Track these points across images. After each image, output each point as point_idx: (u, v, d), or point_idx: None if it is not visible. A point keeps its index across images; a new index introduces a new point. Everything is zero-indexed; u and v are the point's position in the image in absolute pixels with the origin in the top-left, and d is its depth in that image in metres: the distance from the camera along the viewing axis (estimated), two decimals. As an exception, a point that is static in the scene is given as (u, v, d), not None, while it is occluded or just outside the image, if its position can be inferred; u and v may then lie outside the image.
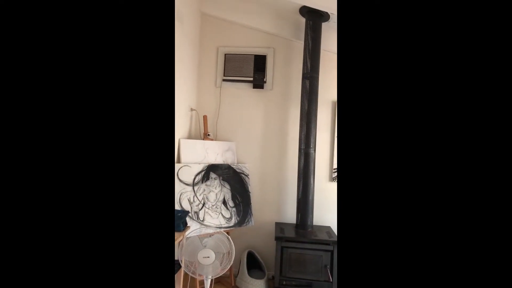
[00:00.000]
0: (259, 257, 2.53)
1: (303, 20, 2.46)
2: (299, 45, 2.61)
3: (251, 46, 2.66)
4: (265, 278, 2.35)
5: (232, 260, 1.77)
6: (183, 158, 2.24)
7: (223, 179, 2.38)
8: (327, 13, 2.33)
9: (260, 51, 2.65)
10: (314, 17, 2.37)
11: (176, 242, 1.64)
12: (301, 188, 2.35)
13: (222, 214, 2.28)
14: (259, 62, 2.63)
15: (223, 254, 1.76)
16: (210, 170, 2.33)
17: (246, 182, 2.51)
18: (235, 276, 2.44)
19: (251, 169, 2.63)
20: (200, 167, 2.28)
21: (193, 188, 2.20)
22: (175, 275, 1.78)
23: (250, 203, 2.47)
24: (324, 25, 2.45)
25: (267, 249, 2.58)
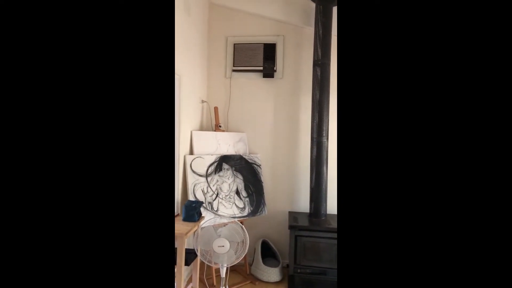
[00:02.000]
0: (273, 245, 2.55)
1: (313, 5, 2.39)
2: (309, 32, 2.55)
3: (260, 34, 2.62)
4: (280, 266, 2.38)
5: (247, 249, 1.79)
6: (195, 149, 2.26)
7: (235, 170, 2.40)
8: (337, -4, 2.26)
9: (269, 40, 2.60)
10: (324, 1, 2.29)
11: (191, 232, 1.68)
12: (314, 177, 2.34)
13: (235, 204, 2.31)
14: (269, 51, 2.59)
15: (238, 243, 1.79)
16: (223, 161, 2.35)
17: (259, 172, 2.52)
18: (250, 265, 2.49)
19: (263, 159, 2.63)
20: (212, 158, 2.30)
21: (207, 179, 2.23)
22: (192, 264, 1.82)
23: (263, 193, 2.49)
24: (335, 9, 2.37)
25: (281, 238, 2.60)
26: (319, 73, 2.32)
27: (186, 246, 1.72)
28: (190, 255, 1.79)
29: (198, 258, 1.83)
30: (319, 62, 2.32)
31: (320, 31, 2.31)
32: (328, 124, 2.35)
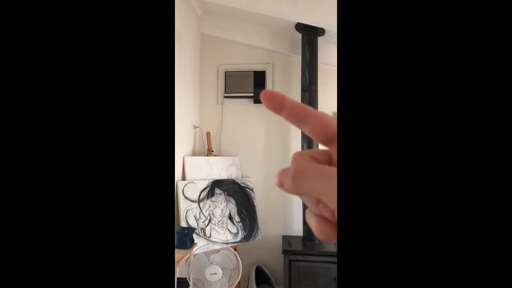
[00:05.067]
0: (267, 271, 2.51)
1: (299, 35, 2.54)
2: (297, 60, 2.67)
3: (250, 62, 2.73)
4: (275, 293, 2.33)
5: (240, 275, 1.77)
6: (188, 175, 2.28)
7: (228, 194, 2.41)
8: (322, 28, 2.40)
9: (259, 67, 2.72)
10: (309, 32, 2.44)
11: (183, 260, 1.65)
12: (306, 200, 2.36)
13: (228, 230, 2.29)
14: (259, 78, 2.70)
15: (231, 270, 1.77)
16: (215, 186, 2.36)
17: (251, 196, 2.53)
18: (244, 292, 2.43)
19: (256, 183, 2.65)
20: (205, 183, 2.31)
21: (199, 205, 2.22)
22: (184, 293, 1.78)
23: (256, 217, 2.48)
24: (320, 39, 2.51)
25: (275, 263, 2.56)
26: (307, 98, 2.41)
27: (177, 275, 1.69)
28: (182, 284, 1.75)
29: (191, 287, 1.79)
30: (307, 88, 2.42)
31: (307, 59, 2.43)
32: (317, 147, 2.41)
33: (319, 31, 2.44)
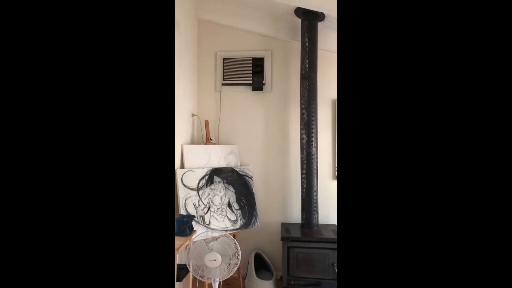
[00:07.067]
0: (266, 258, 2.54)
1: (299, 21, 2.48)
2: (296, 46, 2.62)
3: (249, 49, 2.68)
4: (273, 278, 2.37)
5: (239, 262, 1.79)
6: (186, 163, 2.27)
7: (227, 182, 2.41)
8: (322, 12, 2.35)
9: (257, 54, 2.67)
10: (309, 18, 2.38)
11: (183, 247, 1.67)
12: (305, 187, 2.36)
13: (227, 217, 2.31)
14: (257, 65, 2.65)
15: (230, 257, 1.78)
16: (214, 174, 2.36)
17: (250, 184, 2.53)
18: (244, 278, 2.46)
19: (254, 171, 2.65)
20: (203, 172, 2.31)
21: (198, 193, 2.23)
22: (183, 280, 1.80)
23: (255, 205, 2.49)
24: (320, 24, 2.46)
25: (274, 250, 2.59)
26: (306, 85, 2.38)
27: (178, 262, 1.71)
28: (182, 270, 1.77)
29: (190, 273, 1.81)
30: (306, 75, 2.38)
31: (307, 45, 2.38)
32: (316, 135, 2.40)
33: (319, 16, 2.39)
